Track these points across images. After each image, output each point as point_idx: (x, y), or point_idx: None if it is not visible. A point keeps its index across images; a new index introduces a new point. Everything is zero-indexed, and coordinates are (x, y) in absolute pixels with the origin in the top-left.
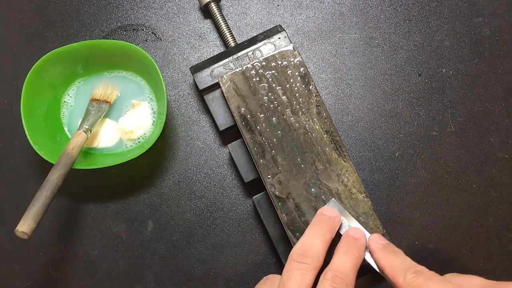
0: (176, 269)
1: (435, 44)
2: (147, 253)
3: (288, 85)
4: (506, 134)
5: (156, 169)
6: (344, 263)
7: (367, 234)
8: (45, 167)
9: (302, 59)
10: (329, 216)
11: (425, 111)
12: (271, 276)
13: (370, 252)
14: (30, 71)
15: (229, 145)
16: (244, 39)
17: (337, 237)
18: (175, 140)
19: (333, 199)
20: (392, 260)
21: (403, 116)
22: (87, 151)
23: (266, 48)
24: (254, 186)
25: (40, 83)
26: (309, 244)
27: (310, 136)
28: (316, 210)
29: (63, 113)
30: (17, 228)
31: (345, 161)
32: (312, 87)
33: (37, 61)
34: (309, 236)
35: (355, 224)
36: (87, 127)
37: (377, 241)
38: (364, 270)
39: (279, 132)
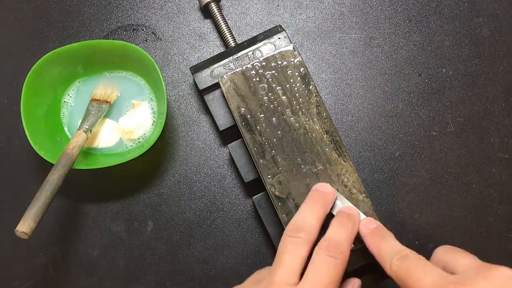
0: (176, 269)
1: (435, 44)
2: (147, 253)
3: (288, 85)
4: (506, 134)
5: (156, 169)
6: (338, 234)
7: (362, 215)
8: (45, 167)
9: (302, 59)
10: (322, 192)
11: (425, 111)
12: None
13: (362, 237)
14: (30, 71)
15: (229, 145)
16: (244, 39)
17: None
18: (175, 140)
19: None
20: (380, 246)
21: (403, 116)
22: (87, 151)
23: (266, 48)
24: (254, 186)
25: (40, 83)
26: (302, 220)
27: (310, 136)
28: None
29: (63, 113)
30: (17, 228)
31: (345, 161)
32: (312, 87)
33: (37, 61)
34: (302, 212)
35: (349, 205)
36: (87, 127)
37: (367, 226)
38: (364, 270)
39: (279, 132)
